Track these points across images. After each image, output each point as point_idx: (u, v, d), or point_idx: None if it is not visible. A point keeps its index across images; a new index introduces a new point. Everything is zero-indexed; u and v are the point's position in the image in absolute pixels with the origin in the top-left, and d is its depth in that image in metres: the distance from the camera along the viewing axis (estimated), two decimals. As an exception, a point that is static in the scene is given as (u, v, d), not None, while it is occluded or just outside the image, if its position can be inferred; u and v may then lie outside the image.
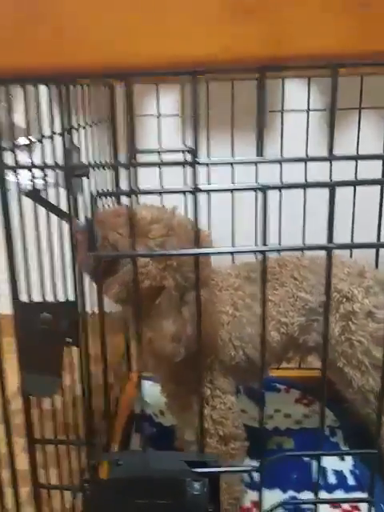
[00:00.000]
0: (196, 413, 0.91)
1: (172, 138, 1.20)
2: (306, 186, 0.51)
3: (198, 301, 0.49)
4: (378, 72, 0.97)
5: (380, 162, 1.00)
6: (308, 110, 1.19)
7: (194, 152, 0.43)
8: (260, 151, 0.45)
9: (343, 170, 1.06)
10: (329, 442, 1.12)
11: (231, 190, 0.43)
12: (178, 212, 0.84)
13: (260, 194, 0.42)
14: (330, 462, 1.06)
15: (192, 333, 0.80)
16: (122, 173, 1.14)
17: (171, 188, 0.44)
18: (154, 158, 0.97)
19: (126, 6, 0.40)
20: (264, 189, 0.44)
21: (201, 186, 0.44)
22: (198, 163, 0.44)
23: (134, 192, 0.45)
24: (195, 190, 0.44)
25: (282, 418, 1.20)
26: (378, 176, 0.94)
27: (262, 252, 0.46)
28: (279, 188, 0.44)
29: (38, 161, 0.84)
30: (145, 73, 0.46)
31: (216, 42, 0.41)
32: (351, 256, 1.14)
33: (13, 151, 0.93)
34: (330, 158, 0.45)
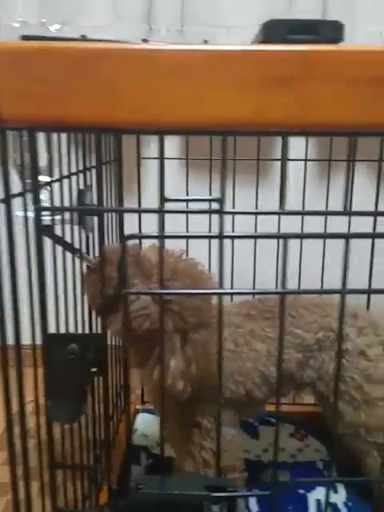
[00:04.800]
0: (196, 444, 0.96)
1: (175, 181, 1.27)
2: (324, 236, 0.56)
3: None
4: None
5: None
6: (306, 160, 1.27)
7: (221, 201, 0.49)
8: (282, 205, 0.51)
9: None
10: (323, 476, 1.15)
11: (255, 237, 0.48)
12: (185, 256, 0.89)
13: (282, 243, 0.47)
14: (324, 495, 1.09)
15: (193, 371, 0.85)
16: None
17: (198, 233, 0.49)
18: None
19: (166, 71, 0.46)
20: (285, 237, 0.50)
21: (226, 233, 0.49)
22: (225, 212, 0.49)
23: (163, 236, 0.50)
24: (221, 237, 0.49)
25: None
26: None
27: (282, 294, 0.52)
28: (300, 237, 0.49)
29: (53, 199, 0.90)
30: (177, 131, 0.51)
31: (247, 107, 0.46)
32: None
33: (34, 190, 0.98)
34: (348, 213, 0.50)
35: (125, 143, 1.19)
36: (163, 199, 0.50)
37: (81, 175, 0.92)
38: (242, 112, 0.46)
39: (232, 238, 0.48)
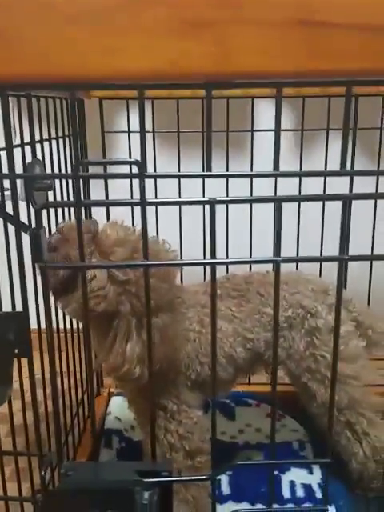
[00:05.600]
0: (161, 427, 0.92)
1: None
2: (252, 201, 0.52)
3: (148, 324, 0.49)
4: (342, 93, 1.00)
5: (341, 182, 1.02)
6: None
7: (140, 164, 0.44)
8: (208, 167, 0.46)
9: (315, 189, 1.10)
10: (298, 456, 1.12)
11: (179, 203, 0.44)
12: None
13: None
14: (299, 476, 1.06)
15: (153, 356, 0.81)
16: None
17: (118, 200, 0.45)
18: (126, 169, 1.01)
19: (72, 19, 0.42)
20: (212, 202, 0.45)
21: (148, 199, 0.45)
22: (146, 176, 0.44)
23: (80, 204, 0.46)
24: (143, 203, 0.45)
25: (252, 433, 1.20)
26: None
27: (212, 264, 0.47)
28: (227, 202, 0.45)
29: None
30: (90, 85, 0.47)
31: (162, 57, 0.42)
32: (320, 274, 1.17)
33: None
34: (276, 174, 0.46)
35: (89, 116, 1.15)
36: (78, 163, 0.45)
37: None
38: (155, 62, 0.42)
39: (155, 204, 0.44)
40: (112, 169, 1.11)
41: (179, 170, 1.18)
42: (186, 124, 1.19)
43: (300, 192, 1.17)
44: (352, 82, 0.43)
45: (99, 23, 0.42)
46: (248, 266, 1.12)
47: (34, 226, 0.52)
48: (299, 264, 1.10)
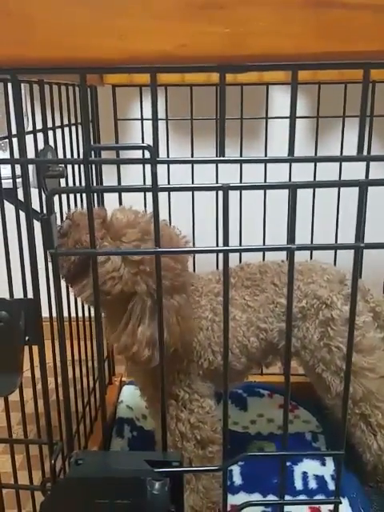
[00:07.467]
0: (173, 416, 0.92)
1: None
2: (265, 187, 0.51)
3: (159, 304, 0.49)
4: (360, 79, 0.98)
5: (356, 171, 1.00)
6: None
7: (152, 149, 0.43)
8: (222, 152, 0.45)
9: (330, 178, 1.08)
10: (311, 448, 1.11)
11: (192, 189, 0.43)
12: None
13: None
14: (312, 467, 1.05)
15: (166, 338, 0.80)
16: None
17: (129, 185, 0.44)
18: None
19: (84, 2, 0.41)
20: (225, 188, 0.44)
21: (160, 185, 0.44)
22: (158, 161, 0.44)
23: (90, 189, 0.45)
24: (154, 189, 0.44)
25: (265, 423, 1.19)
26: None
27: (224, 251, 0.46)
28: (239, 188, 0.44)
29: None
30: (102, 69, 0.46)
31: (172, 39, 0.41)
32: (335, 263, 1.16)
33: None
34: (290, 159, 0.45)
35: (102, 105, 1.14)
36: (88, 148, 0.44)
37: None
38: (165, 45, 0.41)
39: (167, 190, 0.43)
40: (125, 156, 1.11)
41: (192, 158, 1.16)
42: (200, 112, 1.18)
43: (315, 179, 1.16)
44: (369, 64, 0.41)
45: (111, 6, 0.41)
46: (262, 255, 1.11)
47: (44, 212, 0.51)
48: (315, 253, 1.09)
